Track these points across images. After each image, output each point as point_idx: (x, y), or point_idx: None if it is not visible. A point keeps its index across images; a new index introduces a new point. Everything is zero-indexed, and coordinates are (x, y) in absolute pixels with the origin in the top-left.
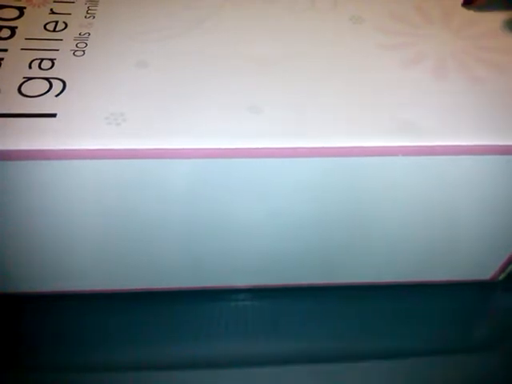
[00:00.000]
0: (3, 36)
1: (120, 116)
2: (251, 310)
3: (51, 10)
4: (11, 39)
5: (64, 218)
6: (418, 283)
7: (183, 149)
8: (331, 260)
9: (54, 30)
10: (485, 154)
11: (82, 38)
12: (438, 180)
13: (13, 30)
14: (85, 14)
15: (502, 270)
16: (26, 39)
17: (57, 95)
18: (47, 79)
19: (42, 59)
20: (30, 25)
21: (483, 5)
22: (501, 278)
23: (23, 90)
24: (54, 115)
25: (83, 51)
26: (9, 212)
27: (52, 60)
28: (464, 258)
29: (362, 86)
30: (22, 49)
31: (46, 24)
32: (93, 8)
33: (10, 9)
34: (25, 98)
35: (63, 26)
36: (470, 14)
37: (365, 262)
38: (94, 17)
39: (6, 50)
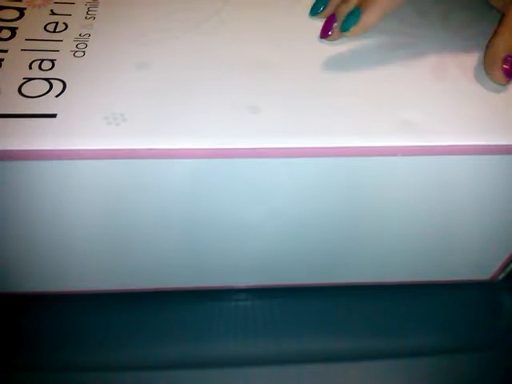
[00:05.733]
0: (3, 37)
1: (120, 116)
2: (251, 310)
3: (51, 10)
4: (11, 40)
5: (64, 218)
6: (418, 283)
7: (183, 149)
8: (330, 260)
9: (55, 31)
10: (485, 153)
11: (82, 39)
12: (437, 180)
13: (13, 30)
14: (85, 14)
15: (502, 269)
16: (27, 40)
17: (57, 96)
18: (47, 80)
19: (42, 60)
20: (31, 25)
21: None
22: (500, 277)
23: (23, 90)
24: (54, 115)
25: (83, 52)
26: (9, 212)
27: (52, 61)
28: (464, 258)
29: (361, 86)
30: (22, 49)
31: (47, 25)
32: (93, 9)
33: (10, 10)
34: (25, 99)
35: (63, 26)
36: (470, 14)
37: (364, 262)
38: (94, 18)
39: (6, 51)
